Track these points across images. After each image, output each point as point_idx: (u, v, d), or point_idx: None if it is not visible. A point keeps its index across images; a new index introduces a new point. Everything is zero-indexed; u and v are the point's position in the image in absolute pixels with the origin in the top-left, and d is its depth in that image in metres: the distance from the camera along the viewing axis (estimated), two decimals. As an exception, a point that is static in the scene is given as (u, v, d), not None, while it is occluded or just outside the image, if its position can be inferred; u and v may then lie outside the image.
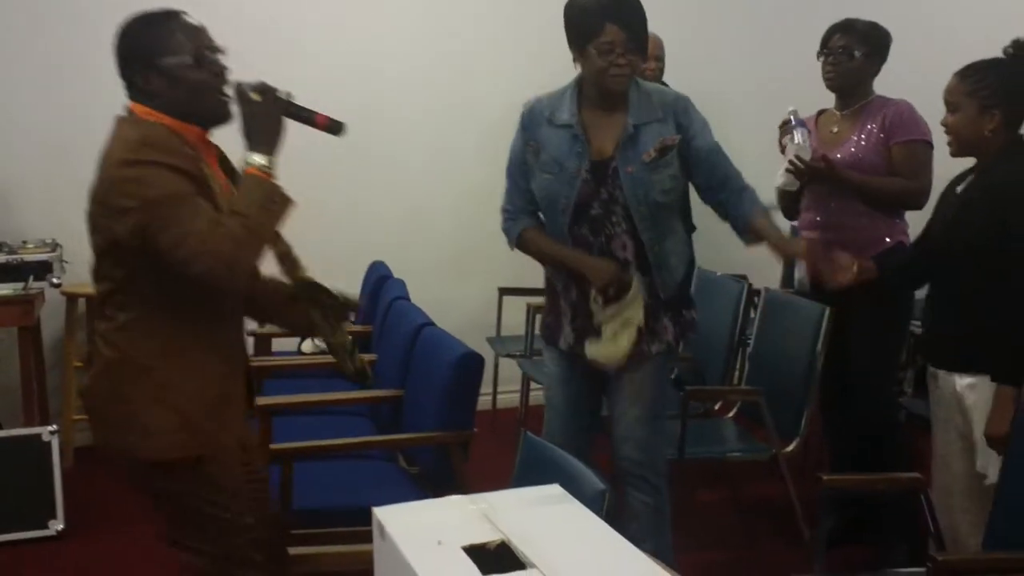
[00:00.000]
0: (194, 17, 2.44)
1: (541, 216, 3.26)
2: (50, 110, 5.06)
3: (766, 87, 5.80)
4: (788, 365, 3.87)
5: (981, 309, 2.92)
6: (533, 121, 3.17)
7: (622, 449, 3.24)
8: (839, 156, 3.77)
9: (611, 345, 3.09)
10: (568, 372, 3.30)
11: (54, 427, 4.12)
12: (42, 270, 4.39)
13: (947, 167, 3.34)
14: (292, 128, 5.12)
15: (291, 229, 5.24)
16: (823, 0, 5.03)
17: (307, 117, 2.48)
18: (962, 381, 2.96)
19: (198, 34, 2.40)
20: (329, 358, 4.53)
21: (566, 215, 3.11)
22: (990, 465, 2.86)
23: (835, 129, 3.91)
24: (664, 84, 5.35)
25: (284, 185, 2.40)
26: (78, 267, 4.62)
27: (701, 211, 5.16)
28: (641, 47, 3.06)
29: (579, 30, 3.04)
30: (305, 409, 3.90)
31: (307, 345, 4.94)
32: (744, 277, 4.68)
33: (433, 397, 3.36)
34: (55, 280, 4.41)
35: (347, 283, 4.96)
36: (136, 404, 2.39)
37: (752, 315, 4.48)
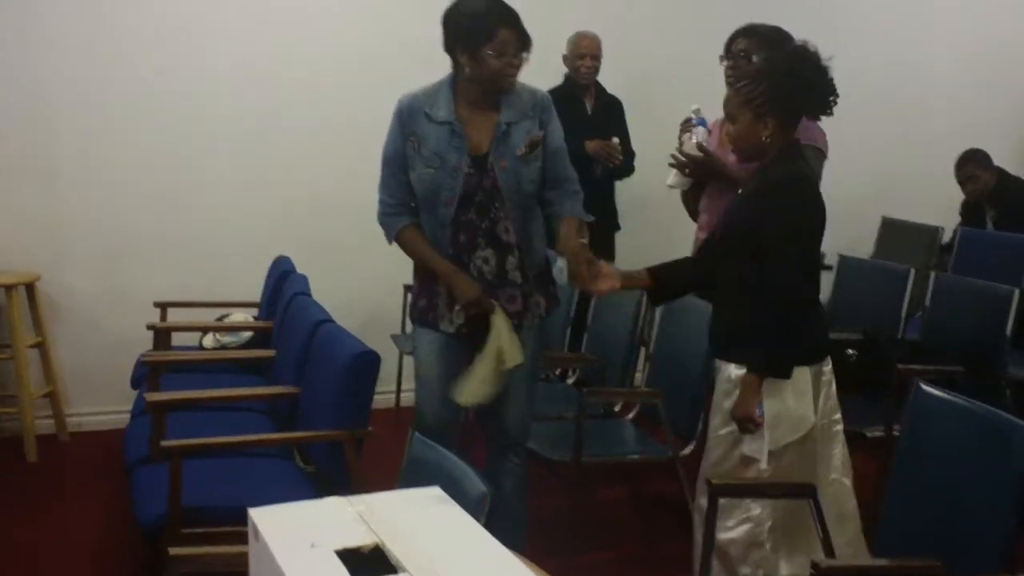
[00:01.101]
0: None
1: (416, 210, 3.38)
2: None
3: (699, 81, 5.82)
4: (685, 366, 3.92)
5: (743, 304, 3.06)
6: (412, 116, 3.28)
7: (507, 420, 3.44)
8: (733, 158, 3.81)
9: (479, 385, 3.22)
10: (444, 351, 3.37)
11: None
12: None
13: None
14: (201, 123, 5.11)
15: (199, 220, 5.32)
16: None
17: None
18: (736, 371, 3.07)
19: None
20: (228, 353, 4.52)
21: (450, 206, 3.26)
22: (761, 450, 3.00)
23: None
24: (598, 83, 5.44)
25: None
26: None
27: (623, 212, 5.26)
28: (527, 44, 3.23)
29: (470, 34, 3.18)
30: (202, 405, 3.85)
31: (208, 340, 4.88)
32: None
33: (328, 395, 3.35)
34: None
35: (252, 279, 5.03)
36: None
37: (654, 316, 4.52)
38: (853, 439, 3.34)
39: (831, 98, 3.04)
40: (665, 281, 3.29)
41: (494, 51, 3.15)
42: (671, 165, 3.86)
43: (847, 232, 5.60)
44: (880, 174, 6.74)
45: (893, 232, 6.56)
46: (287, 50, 5.43)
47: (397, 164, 3.31)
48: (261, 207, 5.44)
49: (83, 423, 5.25)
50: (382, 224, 3.40)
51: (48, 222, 5.14)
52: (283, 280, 4.63)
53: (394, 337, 5.23)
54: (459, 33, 3.21)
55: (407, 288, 5.22)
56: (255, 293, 5.08)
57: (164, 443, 3.17)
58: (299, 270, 4.74)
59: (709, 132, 3.85)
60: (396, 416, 5.22)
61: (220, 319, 4.98)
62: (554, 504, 3.98)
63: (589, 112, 5.45)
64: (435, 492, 1.90)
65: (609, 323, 4.49)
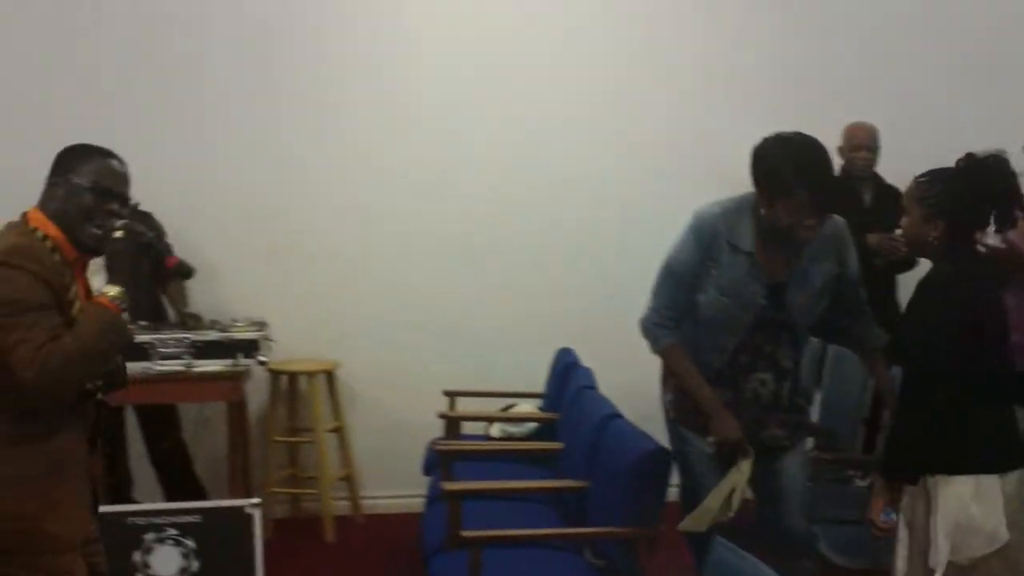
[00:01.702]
0: (122, 164, 2.73)
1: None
2: (256, 193, 5.41)
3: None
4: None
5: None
6: (714, 241, 3.27)
7: (795, 521, 3.43)
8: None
9: (701, 515, 3.28)
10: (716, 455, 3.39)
11: (256, 500, 4.30)
12: (250, 348, 4.63)
13: None
14: (490, 217, 5.29)
15: (482, 311, 5.52)
16: None
17: (160, 257, 2.70)
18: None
19: (111, 176, 2.67)
20: (518, 444, 4.66)
21: (737, 334, 3.29)
22: (938, 562, 2.87)
23: None
24: (876, 174, 5.33)
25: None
26: (282, 345, 4.92)
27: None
28: (829, 206, 3.17)
29: (768, 184, 3.17)
30: (492, 495, 3.98)
31: (495, 429, 5.04)
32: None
33: (619, 491, 3.39)
34: (261, 358, 4.64)
35: (536, 369, 5.18)
36: None
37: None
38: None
39: (1017, 211, 2.96)
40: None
41: (787, 209, 3.12)
42: None
43: None
44: None
45: None
46: (577, 154, 5.63)
47: (684, 280, 3.33)
48: (545, 299, 5.61)
49: (377, 505, 5.53)
50: (648, 330, 3.44)
51: (348, 313, 5.49)
52: (568, 372, 4.73)
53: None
54: (757, 175, 3.21)
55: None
56: (538, 383, 5.22)
57: (464, 533, 3.29)
58: (582, 361, 4.84)
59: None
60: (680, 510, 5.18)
61: (506, 409, 5.14)
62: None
63: (867, 204, 5.34)
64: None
65: (840, 394, 4.44)
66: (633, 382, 5.17)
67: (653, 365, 5.21)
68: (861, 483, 4.26)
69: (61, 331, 2.45)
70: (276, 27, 5.40)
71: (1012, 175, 2.95)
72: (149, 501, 4.80)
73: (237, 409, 4.79)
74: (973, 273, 3.00)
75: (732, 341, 3.29)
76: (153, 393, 4.60)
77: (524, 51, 5.56)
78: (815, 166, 3.13)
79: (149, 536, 4.18)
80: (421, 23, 5.50)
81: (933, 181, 3.01)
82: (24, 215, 2.64)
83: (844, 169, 5.34)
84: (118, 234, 2.60)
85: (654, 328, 3.42)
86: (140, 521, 4.23)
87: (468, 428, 5.08)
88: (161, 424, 5.04)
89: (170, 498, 4.92)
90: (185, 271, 2.71)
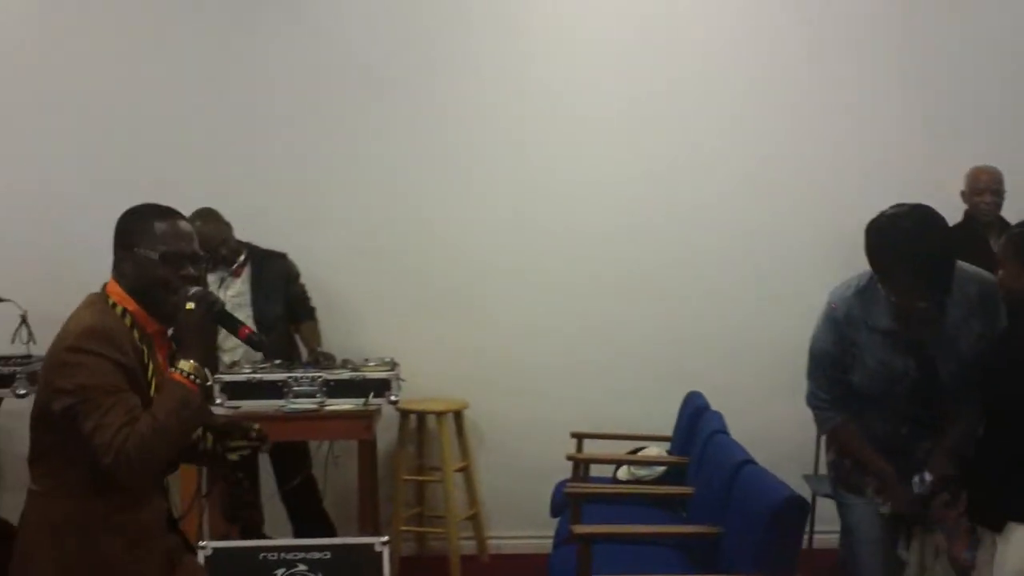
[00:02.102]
0: (183, 221, 2.66)
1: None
2: (389, 234, 5.52)
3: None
4: None
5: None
6: (850, 325, 3.22)
7: None
8: None
9: None
10: (876, 517, 3.31)
11: (385, 538, 4.34)
12: (381, 387, 4.68)
13: None
14: (621, 262, 5.29)
15: (610, 354, 5.51)
16: None
17: (233, 328, 2.64)
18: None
19: (176, 239, 2.61)
20: (648, 488, 4.62)
21: (895, 406, 3.24)
22: None
23: None
24: (1002, 218, 5.17)
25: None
26: (412, 385, 4.97)
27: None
28: (942, 285, 3.04)
29: (874, 265, 3.11)
30: (621, 538, 3.95)
31: (622, 472, 5.00)
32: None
33: (755, 538, 3.31)
34: (393, 398, 4.69)
35: (664, 413, 5.14)
36: (36, 570, 2.54)
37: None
38: None
39: None
40: None
41: (895, 290, 3.06)
42: None
43: None
44: None
45: None
46: (710, 200, 5.60)
47: (830, 364, 3.30)
48: (674, 343, 5.57)
49: (502, 546, 5.53)
50: (813, 412, 3.43)
51: (476, 354, 5.53)
52: (698, 416, 4.68)
53: (806, 477, 5.12)
54: (867, 253, 3.12)
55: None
56: (665, 427, 5.16)
57: (596, 577, 3.27)
58: (711, 405, 4.78)
59: None
60: (810, 557, 5.06)
61: (634, 452, 5.10)
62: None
63: (995, 249, 5.15)
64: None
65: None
66: (762, 427, 5.11)
67: (783, 411, 5.17)
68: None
69: (138, 413, 2.45)
70: (408, 73, 5.53)
71: None
72: (279, 537, 4.86)
73: (367, 447, 4.84)
74: None
75: (894, 414, 3.24)
76: (285, 431, 4.68)
77: (651, 99, 5.57)
78: (918, 249, 3.00)
79: (280, 571, 4.26)
80: (561, 69, 5.57)
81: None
82: (104, 288, 2.65)
83: (968, 214, 5.19)
84: (189, 305, 2.56)
85: (816, 411, 3.43)
86: (271, 556, 4.31)
87: (594, 470, 5.05)
88: (293, 461, 5.11)
89: (300, 534, 5.01)
90: (255, 344, 2.69)
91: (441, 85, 5.53)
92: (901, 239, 3.00)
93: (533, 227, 5.57)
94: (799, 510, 3.20)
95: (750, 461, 3.72)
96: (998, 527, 2.92)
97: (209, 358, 2.64)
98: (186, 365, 2.51)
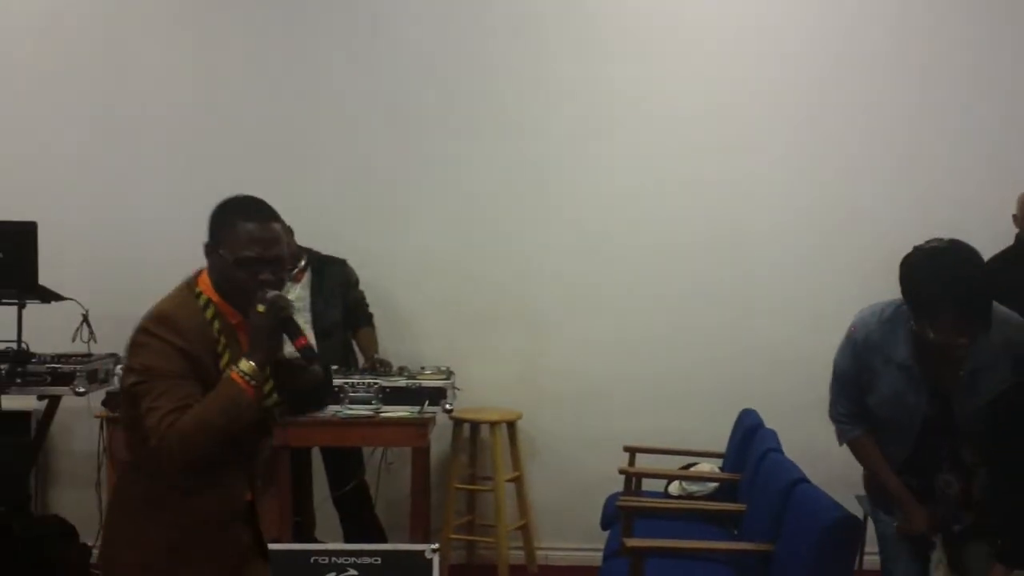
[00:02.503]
0: (266, 224, 2.62)
1: None
2: (448, 242, 5.58)
3: None
4: None
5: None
6: (868, 351, 3.21)
7: None
8: None
9: None
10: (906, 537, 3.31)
11: (435, 545, 4.37)
12: (437, 395, 4.72)
13: None
14: (676, 277, 5.27)
15: (665, 369, 5.50)
16: None
17: (293, 335, 2.63)
18: None
19: (253, 244, 2.59)
20: (700, 503, 4.61)
21: (909, 437, 3.22)
22: None
23: None
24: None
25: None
26: (467, 394, 5.01)
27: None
28: (982, 323, 2.95)
29: (913, 302, 3.04)
30: (672, 553, 3.95)
31: (674, 487, 4.99)
32: None
33: (805, 558, 3.30)
34: (448, 406, 4.72)
35: (717, 429, 5.12)
36: (115, 544, 2.62)
37: None
38: None
39: None
40: None
41: (933, 329, 2.93)
42: None
43: None
44: None
45: None
46: (762, 215, 5.59)
47: (850, 384, 3.32)
48: (730, 359, 5.55)
49: (550, 557, 5.54)
50: (834, 423, 3.44)
51: (531, 365, 5.57)
52: (752, 434, 4.66)
53: (859, 498, 5.07)
54: (904, 289, 3.06)
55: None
56: (718, 443, 5.14)
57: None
58: (765, 423, 4.76)
59: None
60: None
61: (686, 467, 5.08)
62: None
63: None
64: None
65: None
66: (817, 446, 5.06)
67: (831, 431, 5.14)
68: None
69: (191, 401, 2.47)
70: (476, 80, 5.61)
71: None
72: (331, 541, 4.91)
73: (421, 455, 4.88)
74: None
75: (906, 442, 3.23)
76: (341, 436, 4.74)
77: (714, 115, 5.57)
78: (962, 284, 2.92)
79: (330, 575, 4.30)
80: (632, 78, 5.59)
81: None
82: (196, 275, 2.68)
83: (1020, 237, 5.13)
84: (260, 308, 2.57)
85: (836, 424, 3.45)
86: (323, 560, 4.36)
87: (646, 484, 5.04)
88: (347, 466, 5.17)
89: (351, 539, 5.05)
90: (309, 356, 2.68)
91: (508, 93, 5.58)
92: (944, 274, 2.93)
93: (593, 239, 5.59)
94: (852, 530, 3.20)
95: (803, 480, 3.70)
96: None
97: (272, 361, 2.65)
98: (246, 366, 2.53)
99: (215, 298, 2.62)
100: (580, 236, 5.59)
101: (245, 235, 2.59)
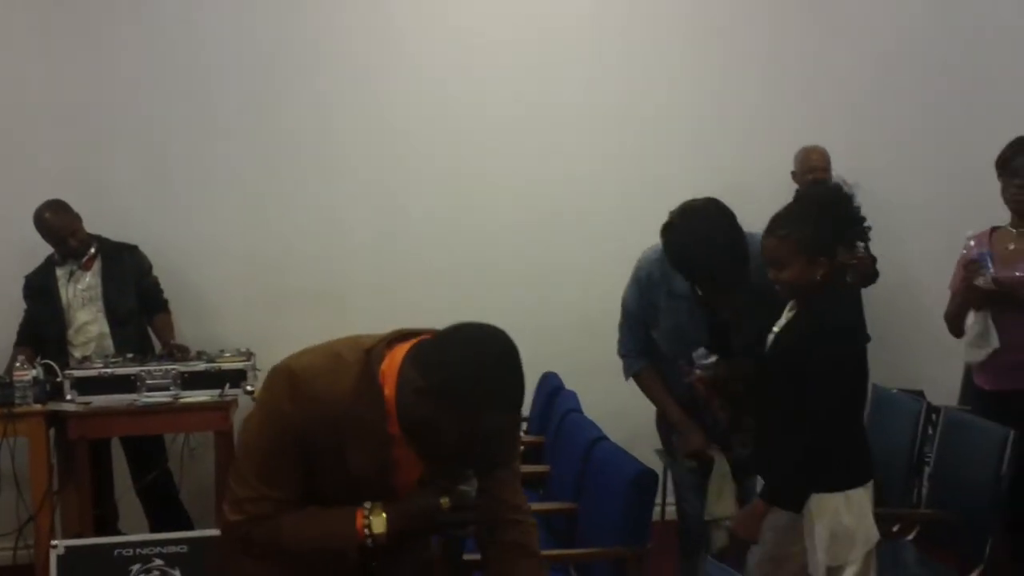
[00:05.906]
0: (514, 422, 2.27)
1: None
2: (243, 224, 5.50)
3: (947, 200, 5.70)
4: (971, 489, 3.76)
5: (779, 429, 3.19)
6: (652, 287, 3.45)
7: None
8: (1017, 274, 3.74)
9: (719, 504, 3.51)
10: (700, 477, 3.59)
11: (244, 529, 4.30)
12: (237, 378, 4.64)
13: None
14: (475, 242, 5.29)
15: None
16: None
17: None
18: None
19: (491, 442, 2.10)
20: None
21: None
22: (817, 569, 3.08)
23: (1011, 246, 3.88)
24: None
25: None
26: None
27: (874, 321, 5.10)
28: (733, 283, 3.19)
29: (675, 268, 3.32)
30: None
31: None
32: (921, 393, 4.60)
33: (609, 512, 3.42)
34: (249, 388, 4.64)
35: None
36: None
37: (931, 432, 4.36)
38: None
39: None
40: None
41: (698, 287, 3.32)
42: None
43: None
44: None
45: None
46: (557, 178, 5.69)
47: (636, 320, 3.55)
48: (528, 323, 5.59)
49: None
50: (621, 359, 3.68)
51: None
52: (554, 396, 4.76)
53: (658, 451, 5.25)
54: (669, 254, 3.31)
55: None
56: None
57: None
58: (566, 385, 4.86)
59: (991, 256, 3.77)
60: (662, 529, 5.20)
61: (492, 434, 5.14)
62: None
63: None
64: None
65: (885, 440, 4.35)
66: (616, 405, 5.22)
67: (635, 388, 5.31)
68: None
69: (275, 505, 2.10)
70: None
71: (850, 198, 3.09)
72: (135, 532, 4.77)
73: (224, 439, 4.78)
74: (851, 301, 3.21)
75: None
76: (140, 424, 4.62)
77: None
78: (699, 260, 3.18)
79: (136, 567, 4.18)
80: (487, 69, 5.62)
81: (797, 225, 3.03)
82: (384, 353, 2.14)
83: (798, 193, 5.38)
84: (444, 501, 2.11)
85: (623, 359, 3.68)
86: (127, 552, 4.23)
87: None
88: (148, 455, 5.05)
89: (157, 529, 4.93)
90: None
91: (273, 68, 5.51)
92: (695, 254, 3.18)
93: (395, 217, 5.60)
94: (650, 483, 3.32)
95: (603, 438, 3.82)
96: (798, 507, 3.08)
97: (404, 539, 2.17)
98: (378, 522, 2.10)
99: (389, 402, 2.10)
100: (382, 214, 5.56)
101: (494, 430, 2.07)
